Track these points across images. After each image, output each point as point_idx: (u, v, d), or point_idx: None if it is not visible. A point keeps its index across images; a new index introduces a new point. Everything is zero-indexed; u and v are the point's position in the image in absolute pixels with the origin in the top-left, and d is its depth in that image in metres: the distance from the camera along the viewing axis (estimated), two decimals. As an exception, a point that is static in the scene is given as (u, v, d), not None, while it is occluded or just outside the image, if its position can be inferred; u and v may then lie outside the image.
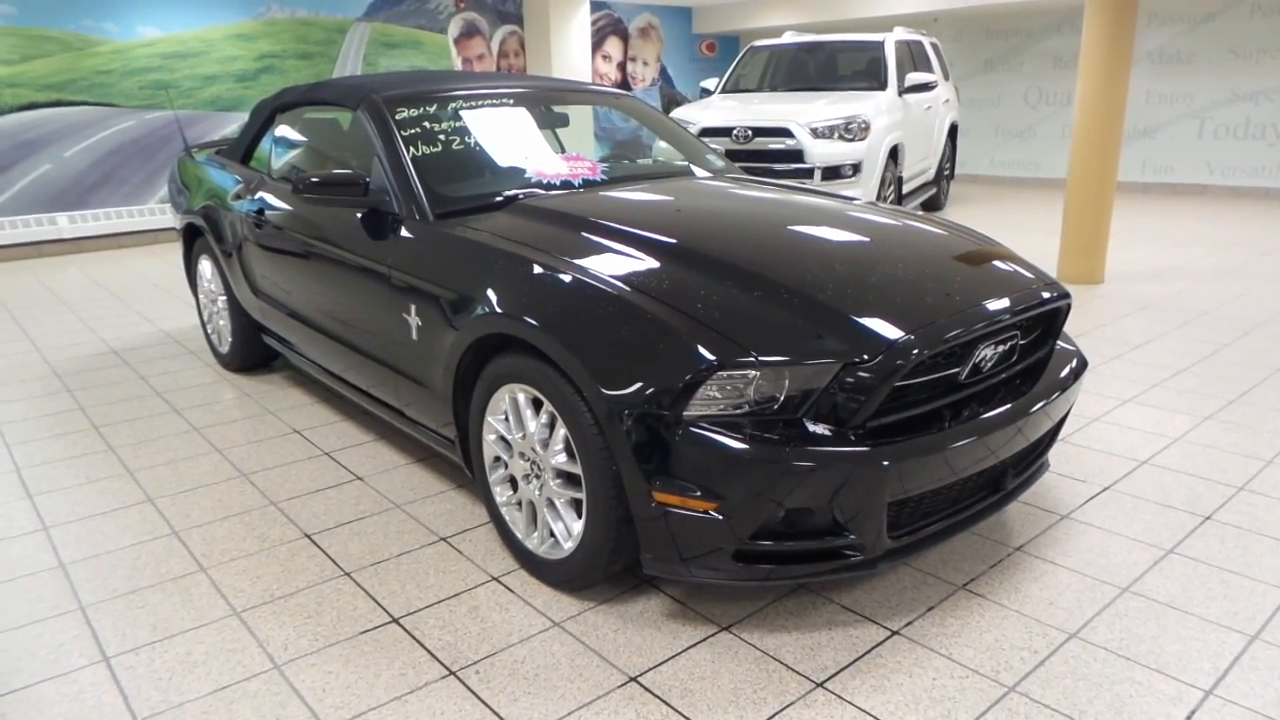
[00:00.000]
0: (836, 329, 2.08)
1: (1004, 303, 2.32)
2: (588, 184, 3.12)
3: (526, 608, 2.35)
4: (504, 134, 3.32)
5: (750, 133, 6.90)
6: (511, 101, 3.41)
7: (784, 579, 2.11)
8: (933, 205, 9.36)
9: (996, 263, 2.61)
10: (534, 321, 2.24)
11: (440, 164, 3.01)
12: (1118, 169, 5.87)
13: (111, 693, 2.04)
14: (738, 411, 2.02)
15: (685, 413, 2.00)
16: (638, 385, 2.03)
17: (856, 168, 6.82)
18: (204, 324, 4.60)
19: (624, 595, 2.39)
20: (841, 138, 6.80)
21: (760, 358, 2.00)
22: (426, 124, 3.10)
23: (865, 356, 2.02)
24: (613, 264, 2.35)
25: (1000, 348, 2.32)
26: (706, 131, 7.04)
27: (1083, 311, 5.32)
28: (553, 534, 2.39)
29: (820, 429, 2.02)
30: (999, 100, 12.14)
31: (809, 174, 6.74)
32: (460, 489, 3.05)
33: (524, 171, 3.12)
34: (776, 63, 8.51)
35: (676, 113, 7.70)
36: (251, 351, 4.23)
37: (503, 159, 3.22)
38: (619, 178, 3.26)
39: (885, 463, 2.00)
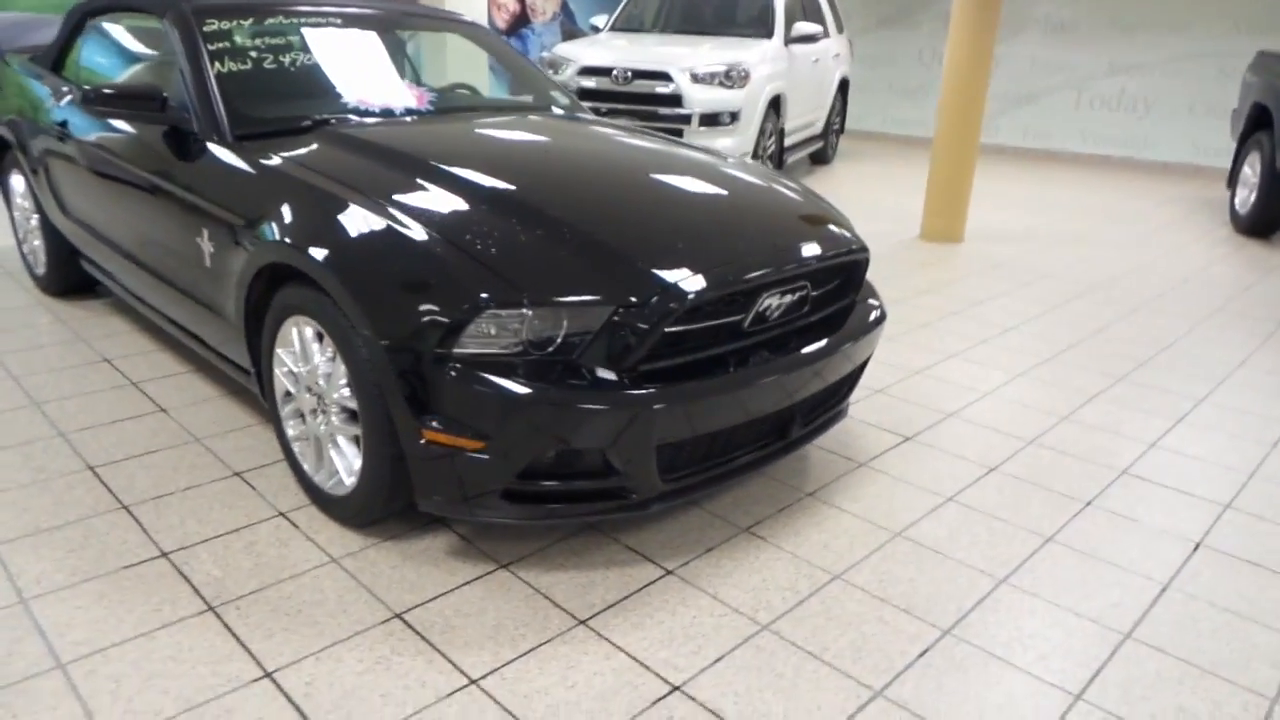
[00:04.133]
0: (613, 271, 2.07)
1: (790, 253, 2.35)
2: (411, 113, 3.01)
3: (307, 544, 2.31)
4: (324, 57, 3.15)
5: (630, 74, 6.79)
6: (340, 22, 3.24)
7: (563, 518, 2.13)
8: (819, 159, 9.47)
9: (800, 215, 2.63)
10: (310, 252, 2.15)
11: (247, 83, 2.85)
12: (980, 131, 6.02)
13: None
14: (509, 351, 2.00)
15: (455, 350, 1.97)
16: (408, 321, 1.99)
17: (735, 115, 6.81)
18: (19, 243, 4.30)
19: (410, 532, 2.37)
20: (722, 85, 6.76)
21: (531, 297, 1.98)
22: (237, 39, 2.93)
23: (635, 299, 2.02)
24: (400, 196, 2.27)
25: (787, 298, 2.36)
26: (586, 70, 6.90)
27: (937, 268, 5.49)
28: (337, 470, 2.34)
29: (593, 371, 2.02)
30: (894, 58, 12.29)
31: (687, 120, 6.70)
32: (267, 424, 2.96)
33: (340, 97, 2.98)
34: (671, 3, 8.38)
35: (558, 49, 7.51)
36: (69, 275, 3.98)
37: (318, 83, 3.06)
38: (447, 109, 3.16)
39: (657, 406, 2.02)
